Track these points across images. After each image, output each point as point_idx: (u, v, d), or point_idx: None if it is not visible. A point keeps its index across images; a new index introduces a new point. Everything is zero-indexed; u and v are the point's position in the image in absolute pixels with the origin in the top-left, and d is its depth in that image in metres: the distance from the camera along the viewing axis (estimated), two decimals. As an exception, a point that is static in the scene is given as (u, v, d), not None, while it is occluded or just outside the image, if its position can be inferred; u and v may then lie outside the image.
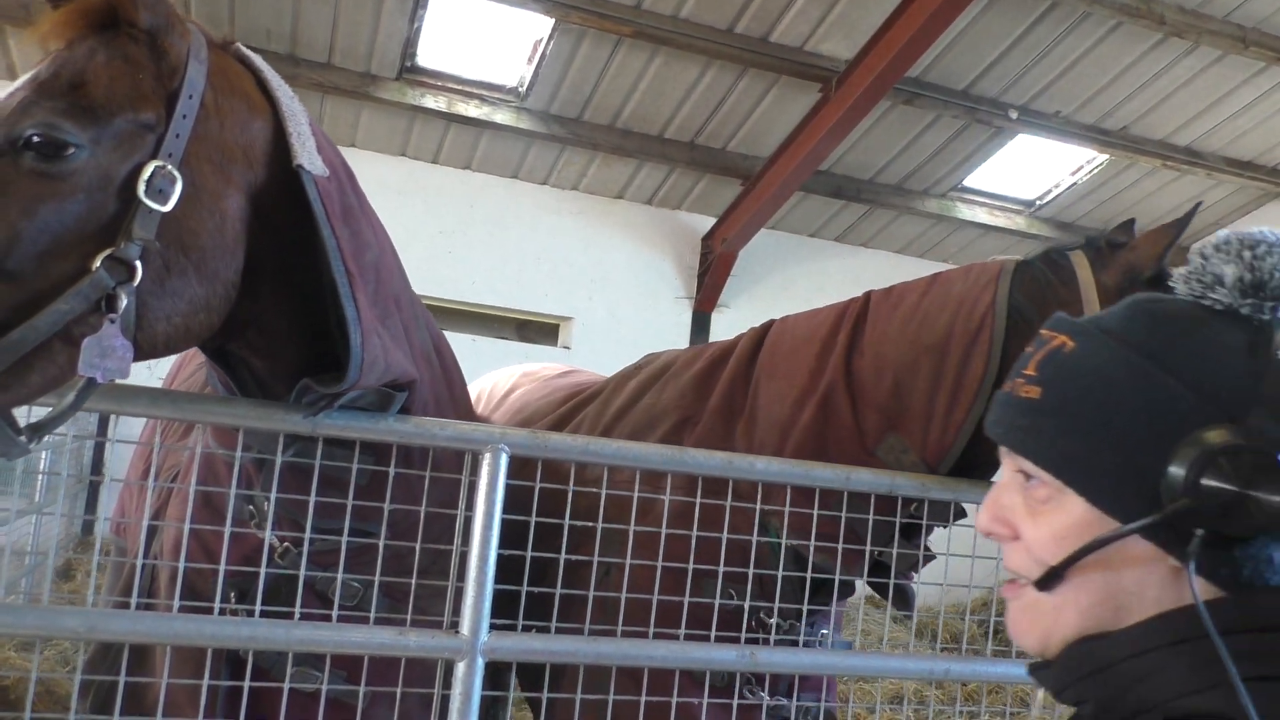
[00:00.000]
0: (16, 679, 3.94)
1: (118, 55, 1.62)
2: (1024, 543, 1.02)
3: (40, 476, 6.67)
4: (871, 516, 2.26)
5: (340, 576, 2.05)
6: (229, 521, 1.96)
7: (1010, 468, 1.05)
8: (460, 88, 9.09)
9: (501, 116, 9.27)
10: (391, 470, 2.01)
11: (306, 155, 1.78)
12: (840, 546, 2.27)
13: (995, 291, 2.28)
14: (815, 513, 2.25)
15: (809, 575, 2.31)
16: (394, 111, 9.18)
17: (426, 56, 8.74)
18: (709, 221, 11.11)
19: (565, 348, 10.72)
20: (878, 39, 7.81)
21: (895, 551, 2.32)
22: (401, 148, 9.88)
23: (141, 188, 1.59)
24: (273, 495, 1.98)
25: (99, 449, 8.54)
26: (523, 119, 9.35)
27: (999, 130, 9.52)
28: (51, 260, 1.53)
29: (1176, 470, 0.88)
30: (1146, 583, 0.92)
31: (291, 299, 1.88)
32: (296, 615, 1.97)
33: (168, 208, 1.61)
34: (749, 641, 2.26)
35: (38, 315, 1.50)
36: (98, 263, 1.55)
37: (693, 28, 8.09)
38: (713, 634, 2.22)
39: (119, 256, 1.57)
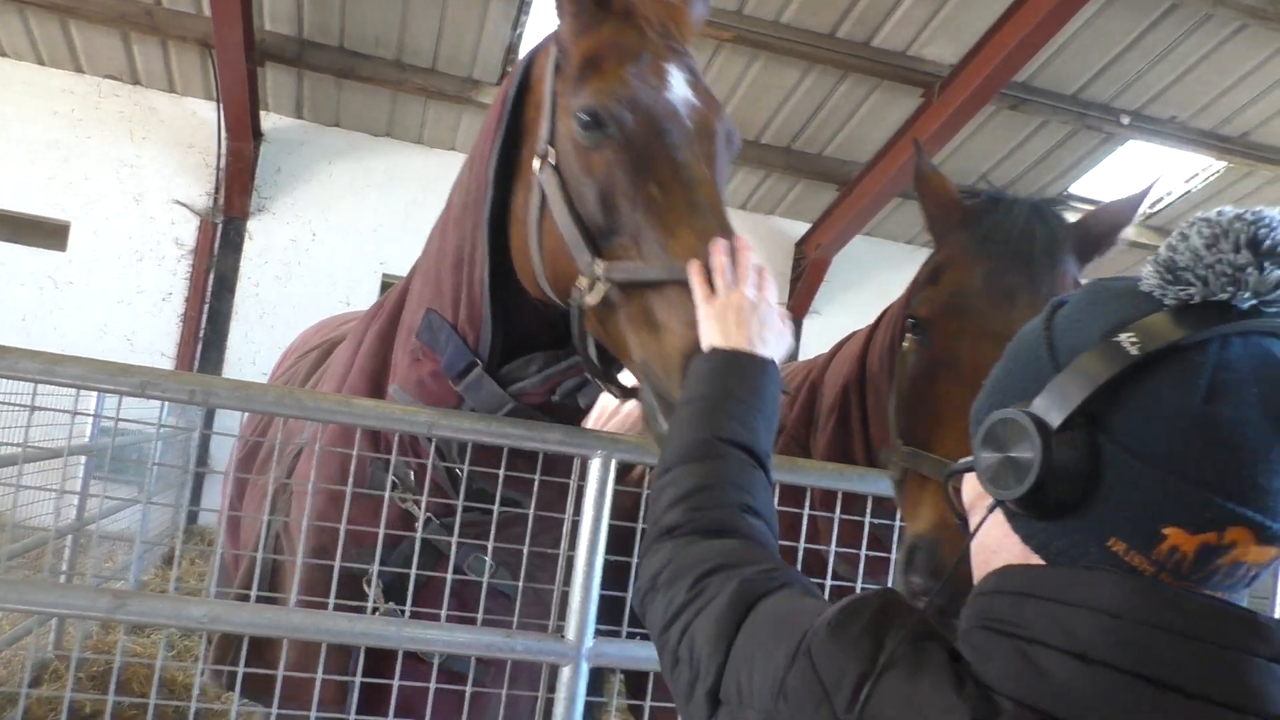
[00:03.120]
0: (132, 666, 4.12)
1: None
2: None
3: (151, 467, 6.91)
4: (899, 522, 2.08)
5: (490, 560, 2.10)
6: (385, 509, 2.02)
7: None
8: (559, 92, 9.19)
9: (599, 121, 9.33)
10: (501, 472, 2.02)
11: None
12: (859, 552, 2.15)
13: None
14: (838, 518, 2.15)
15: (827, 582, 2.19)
16: (494, 116, 9.34)
17: (527, 62, 8.85)
18: (803, 227, 11.02)
19: (657, 352, 10.72)
20: (985, 43, 7.64)
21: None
22: (500, 151, 10.05)
23: None
24: (427, 496, 2.05)
25: (204, 441, 8.85)
26: (620, 123, 9.39)
27: (1109, 136, 9.23)
28: None
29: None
30: (1004, 544, 0.94)
31: None
32: (445, 595, 2.03)
33: None
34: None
35: None
36: None
37: (794, 32, 8.04)
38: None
39: None
